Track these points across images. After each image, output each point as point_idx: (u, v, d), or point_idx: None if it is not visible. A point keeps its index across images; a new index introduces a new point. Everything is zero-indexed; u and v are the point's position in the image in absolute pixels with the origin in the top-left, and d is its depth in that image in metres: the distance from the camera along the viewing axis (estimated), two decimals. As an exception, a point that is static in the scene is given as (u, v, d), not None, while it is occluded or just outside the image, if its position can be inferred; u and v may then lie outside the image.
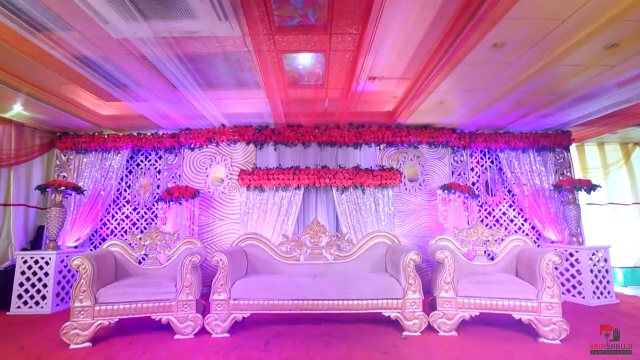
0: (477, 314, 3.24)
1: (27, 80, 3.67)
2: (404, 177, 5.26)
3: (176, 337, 3.17)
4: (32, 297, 4.13)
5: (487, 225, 5.31)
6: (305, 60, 3.48)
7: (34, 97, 4.06)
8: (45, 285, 4.15)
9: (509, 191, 5.46)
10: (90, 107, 4.48)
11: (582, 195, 5.35)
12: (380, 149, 5.31)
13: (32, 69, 3.44)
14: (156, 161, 5.46)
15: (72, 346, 2.97)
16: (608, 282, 4.48)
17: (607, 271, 4.50)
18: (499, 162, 5.46)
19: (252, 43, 3.06)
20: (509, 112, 4.70)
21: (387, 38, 2.98)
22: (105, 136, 5.31)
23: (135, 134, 5.37)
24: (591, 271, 4.44)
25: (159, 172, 5.43)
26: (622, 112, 4.48)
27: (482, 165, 5.50)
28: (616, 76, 3.60)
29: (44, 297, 4.13)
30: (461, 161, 5.46)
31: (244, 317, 3.32)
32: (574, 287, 4.53)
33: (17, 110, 4.42)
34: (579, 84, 3.81)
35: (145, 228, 5.24)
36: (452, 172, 5.41)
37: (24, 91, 3.90)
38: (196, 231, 5.00)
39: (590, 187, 4.67)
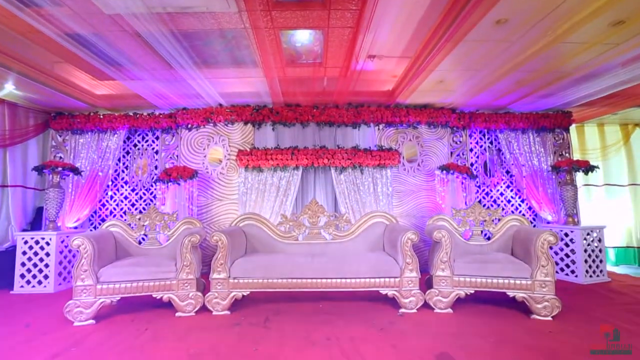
0: (472, 291, 3.31)
1: (17, 58, 3.58)
2: (403, 158, 5.25)
3: (177, 314, 3.25)
4: (34, 276, 4.19)
5: (484, 205, 5.34)
6: (303, 37, 3.39)
7: (26, 76, 3.97)
8: (47, 265, 4.20)
9: (507, 172, 5.47)
10: (84, 86, 4.39)
11: (579, 177, 5.37)
12: (379, 129, 5.27)
13: (22, 47, 3.34)
14: (153, 142, 5.41)
15: (76, 324, 3.04)
16: (601, 261, 4.56)
17: (600, 250, 4.58)
18: (498, 143, 5.44)
19: (249, 19, 2.97)
20: (510, 92, 4.64)
21: (387, 14, 2.90)
22: (101, 116, 5.24)
23: (131, 114, 5.29)
24: (585, 250, 4.51)
25: (156, 152, 5.39)
26: (624, 92, 4.43)
27: (481, 146, 5.48)
28: (621, 55, 3.53)
29: (46, 277, 4.19)
30: (460, 142, 5.44)
31: (243, 295, 3.39)
32: (567, 266, 4.62)
33: (8, 89, 4.33)
34: (583, 63, 3.75)
35: (144, 209, 5.26)
36: (451, 153, 5.40)
37: (15, 70, 3.81)
38: (195, 212, 5.03)
39: (588, 168, 4.68)
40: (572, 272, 4.56)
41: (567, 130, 5.44)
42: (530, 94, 4.69)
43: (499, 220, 3.88)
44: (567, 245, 4.62)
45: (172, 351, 2.49)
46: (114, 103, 5.03)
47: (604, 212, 5.90)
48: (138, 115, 5.28)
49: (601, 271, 4.54)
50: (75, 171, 4.66)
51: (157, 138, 5.40)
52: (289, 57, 3.76)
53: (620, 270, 5.33)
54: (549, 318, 3.09)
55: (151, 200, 5.28)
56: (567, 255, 4.62)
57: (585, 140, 6.05)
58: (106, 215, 5.25)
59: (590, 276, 4.48)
